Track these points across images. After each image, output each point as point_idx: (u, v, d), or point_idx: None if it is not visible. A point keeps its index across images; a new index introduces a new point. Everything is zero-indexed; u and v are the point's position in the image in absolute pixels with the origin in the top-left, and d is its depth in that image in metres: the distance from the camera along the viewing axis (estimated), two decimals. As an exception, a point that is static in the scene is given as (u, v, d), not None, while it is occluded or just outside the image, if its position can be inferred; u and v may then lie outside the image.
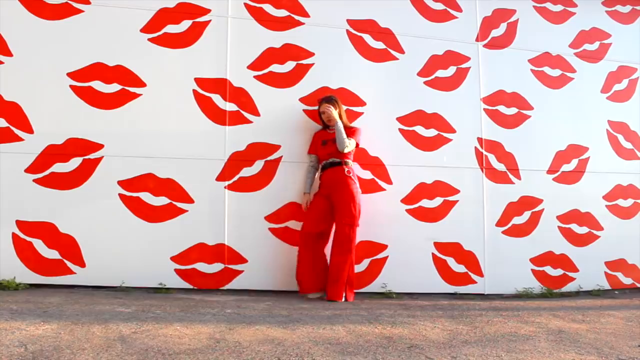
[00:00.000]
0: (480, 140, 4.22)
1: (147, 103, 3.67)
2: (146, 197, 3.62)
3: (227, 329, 2.51)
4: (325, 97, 3.77)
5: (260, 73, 3.88)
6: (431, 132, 4.14)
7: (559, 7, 4.56)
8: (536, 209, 4.28)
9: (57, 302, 2.95)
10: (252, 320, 2.75)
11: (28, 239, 3.46)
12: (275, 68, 3.91)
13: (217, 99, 3.79)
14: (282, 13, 3.96)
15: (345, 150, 3.66)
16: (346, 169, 3.68)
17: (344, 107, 3.85)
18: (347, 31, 4.07)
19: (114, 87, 3.64)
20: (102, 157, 3.58)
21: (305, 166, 3.85)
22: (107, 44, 3.65)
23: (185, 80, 3.75)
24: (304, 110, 3.90)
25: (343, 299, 3.56)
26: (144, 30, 3.72)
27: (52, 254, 3.48)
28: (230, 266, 3.71)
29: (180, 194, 3.66)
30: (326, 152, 3.74)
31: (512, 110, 4.33)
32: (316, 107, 3.81)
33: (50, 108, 3.55)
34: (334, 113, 3.67)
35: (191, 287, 3.63)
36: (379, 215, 3.94)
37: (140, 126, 3.66)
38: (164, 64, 3.72)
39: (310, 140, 3.87)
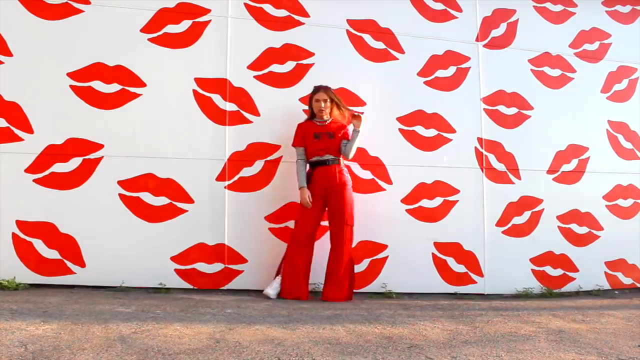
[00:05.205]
0: (480, 140, 4.22)
1: (147, 103, 3.67)
2: (146, 197, 3.62)
3: (227, 329, 2.51)
4: (321, 86, 3.69)
5: (260, 73, 3.88)
6: (431, 132, 4.14)
7: (559, 7, 4.56)
8: (536, 209, 4.28)
9: (57, 302, 2.95)
10: (252, 320, 2.75)
11: (28, 239, 3.46)
12: (275, 68, 3.91)
13: (217, 99, 3.79)
14: (282, 13, 3.96)
15: (351, 157, 3.68)
16: (344, 168, 3.67)
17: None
18: (347, 31, 4.07)
19: (114, 87, 3.64)
20: (102, 157, 3.58)
21: (297, 160, 3.70)
22: (107, 44, 3.65)
23: (185, 80, 3.74)
24: (304, 110, 3.89)
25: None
26: (144, 30, 3.72)
27: (52, 254, 3.48)
28: (230, 266, 3.71)
29: (180, 194, 3.66)
30: (320, 147, 3.63)
31: (512, 110, 4.33)
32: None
33: (50, 108, 3.55)
34: (361, 123, 3.65)
35: (191, 287, 3.63)
36: (379, 215, 3.94)
37: (140, 126, 3.66)
38: (164, 64, 3.72)
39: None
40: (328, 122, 3.72)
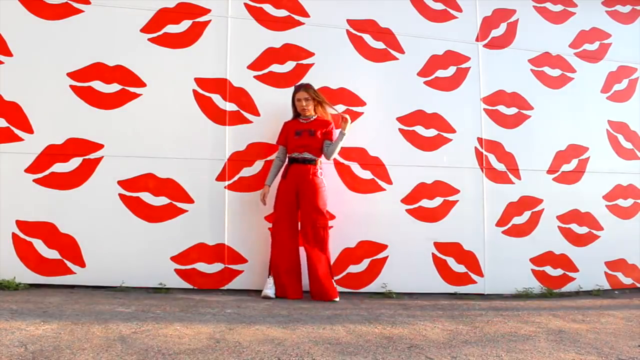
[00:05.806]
0: (480, 140, 4.22)
1: (147, 103, 3.67)
2: (146, 197, 3.62)
3: (227, 329, 2.51)
4: (302, 85, 3.70)
5: (260, 73, 3.88)
6: (431, 132, 4.14)
7: (559, 7, 4.56)
8: (536, 209, 4.28)
9: (57, 302, 2.95)
10: (252, 320, 2.75)
11: (28, 239, 3.46)
12: (275, 68, 3.91)
13: (217, 99, 3.79)
14: (282, 13, 3.96)
15: (332, 158, 3.69)
16: (319, 170, 3.64)
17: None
18: (347, 31, 4.07)
19: (114, 87, 3.64)
20: (102, 157, 3.58)
21: (275, 157, 3.75)
22: (107, 44, 3.65)
23: (185, 80, 3.75)
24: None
25: (337, 298, 3.53)
26: (144, 30, 3.72)
27: (52, 254, 3.48)
28: (230, 266, 3.71)
29: (180, 194, 3.66)
30: (300, 144, 3.63)
31: (512, 110, 4.33)
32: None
33: (50, 108, 3.55)
34: (348, 125, 3.63)
35: (191, 287, 3.63)
36: (379, 215, 3.95)
37: (140, 126, 3.66)
38: (164, 64, 3.72)
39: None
40: (312, 119, 3.71)
